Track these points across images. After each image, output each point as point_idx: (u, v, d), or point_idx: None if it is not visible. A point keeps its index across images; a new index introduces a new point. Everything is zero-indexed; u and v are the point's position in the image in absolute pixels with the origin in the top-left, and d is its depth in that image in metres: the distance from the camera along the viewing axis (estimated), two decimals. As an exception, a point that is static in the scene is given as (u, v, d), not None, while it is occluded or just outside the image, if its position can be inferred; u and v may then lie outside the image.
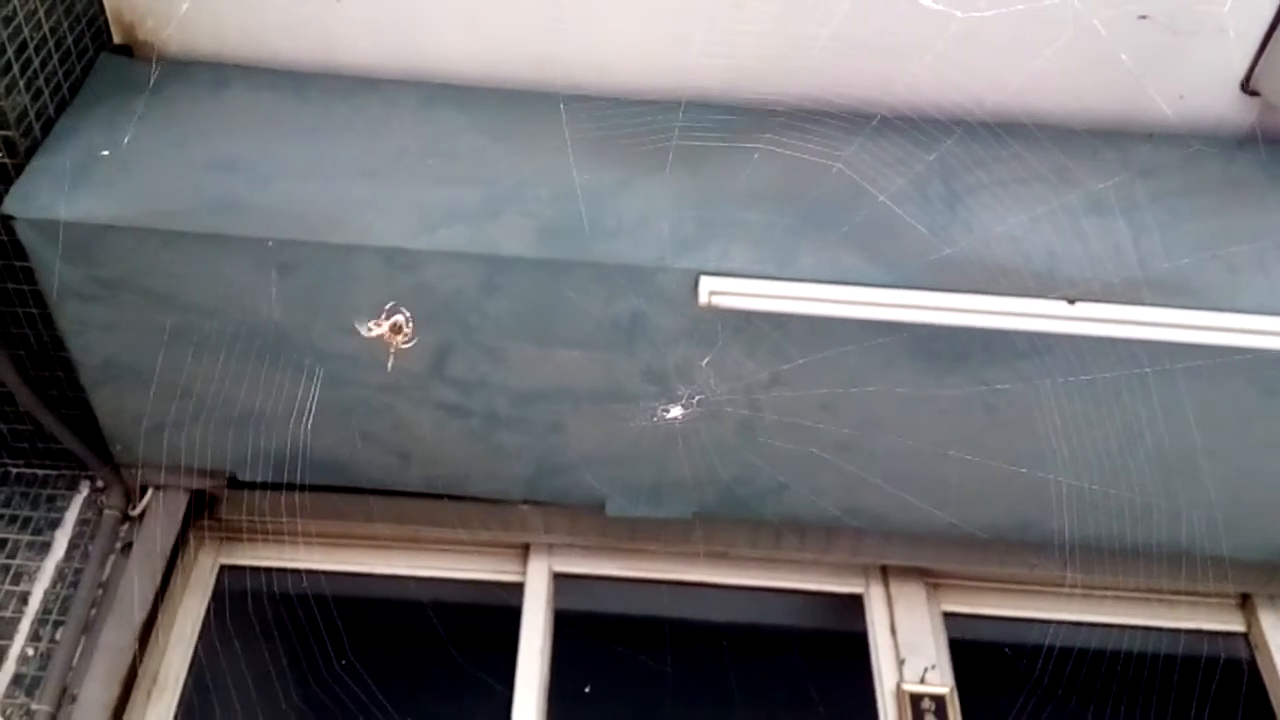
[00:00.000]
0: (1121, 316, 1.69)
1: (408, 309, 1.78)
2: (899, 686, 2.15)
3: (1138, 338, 1.70)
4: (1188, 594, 2.25)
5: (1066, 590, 2.30)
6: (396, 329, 1.61)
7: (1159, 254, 1.76)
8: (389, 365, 1.63)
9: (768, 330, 1.78)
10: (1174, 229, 1.80)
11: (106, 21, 1.96)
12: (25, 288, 1.89)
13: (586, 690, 2.14)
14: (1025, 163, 1.84)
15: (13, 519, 2.20)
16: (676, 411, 1.79)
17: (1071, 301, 1.69)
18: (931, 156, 1.80)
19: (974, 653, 2.27)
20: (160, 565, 2.12)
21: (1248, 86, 1.94)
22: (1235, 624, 2.34)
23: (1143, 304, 1.69)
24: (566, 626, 2.25)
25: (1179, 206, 1.85)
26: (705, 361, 1.75)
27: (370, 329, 1.60)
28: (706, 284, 1.71)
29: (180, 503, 2.21)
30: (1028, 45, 1.79)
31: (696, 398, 1.77)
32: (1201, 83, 1.95)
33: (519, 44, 1.96)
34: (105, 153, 1.72)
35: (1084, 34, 1.71)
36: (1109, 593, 2.23)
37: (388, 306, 1.62)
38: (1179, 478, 1.91)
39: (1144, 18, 1.83)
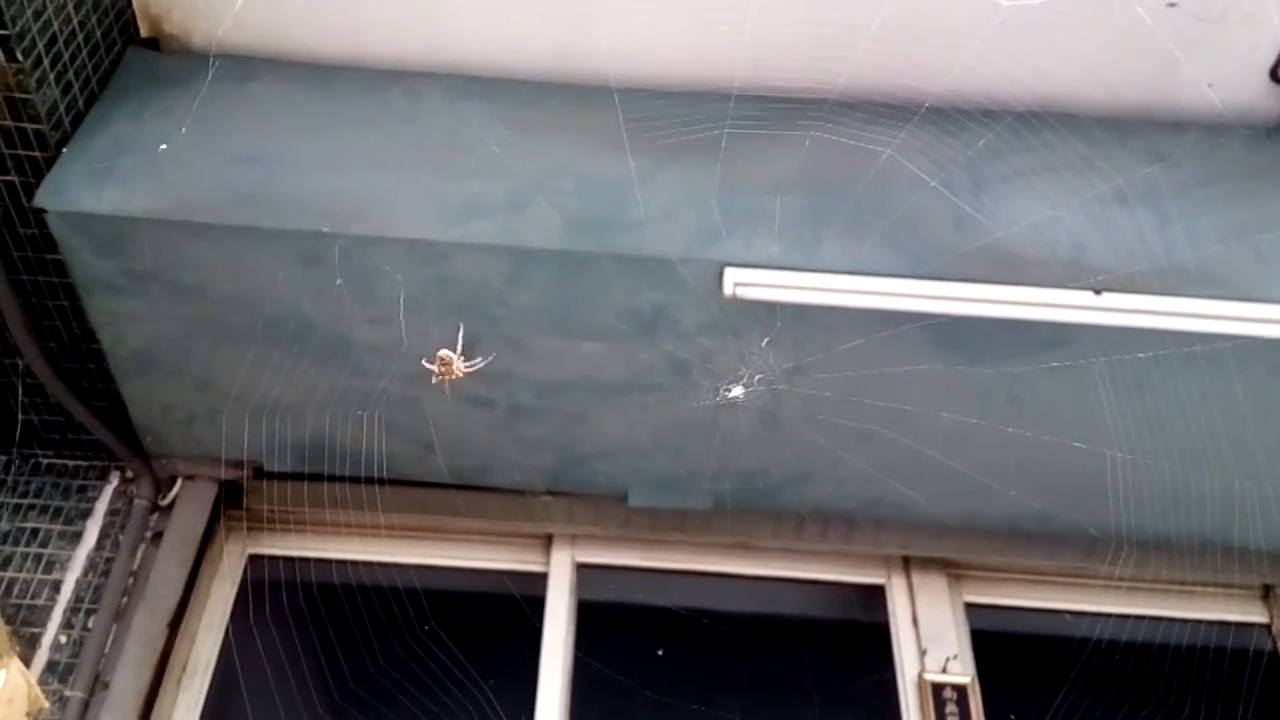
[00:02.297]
0: (1148, 307, 1.68)
1: (435, 301, 1.79)
2: (921, 676, 2.16)
3: (1164, 328, 1.69)
4: (1210, 585, 2.25)
5: (1088, 581, 2.30)
6: (446, 362, 1.62)
7: (1186, 243, 1.74)
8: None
9: (792, 320, 1.78)
10: (1201, 218, 1.79)
11: (134, 15, 1.97)
12: (56, 280, 1.91)
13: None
14: (1050, 152, 1.82)
15: (44, 509, 2.24)
16: (738, 391, 1.78)
17: (1098, 292, 1.68)
18: (955, 146, 1.79)
19: (996, 643, 2.28)
20: (190, 554, 2.16)
21: (1276, 75, 1.92)
22: (1258, 615, 2.33)
23: (1170, 294, 1.68)
24: (589, 616, 2.26)
25: (1206, 195, 1.83)
26: (765, 342, 1.75)
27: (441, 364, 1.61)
28: (731, 275, 1.71)
29: (209, 493, 2.24)
30: (1059, 36, 1.77)
31: (757, 377, 1.75)
32: (1229, 71, 1.93)
33: (542, 35, 1.96)
34: (164, 146, 1.74)
35: (1112, 22, 1.70)
36: (1131, 584, 2.22)
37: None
38: (1202, 468, 1.89)
39: (1172, 5, 1.82)
